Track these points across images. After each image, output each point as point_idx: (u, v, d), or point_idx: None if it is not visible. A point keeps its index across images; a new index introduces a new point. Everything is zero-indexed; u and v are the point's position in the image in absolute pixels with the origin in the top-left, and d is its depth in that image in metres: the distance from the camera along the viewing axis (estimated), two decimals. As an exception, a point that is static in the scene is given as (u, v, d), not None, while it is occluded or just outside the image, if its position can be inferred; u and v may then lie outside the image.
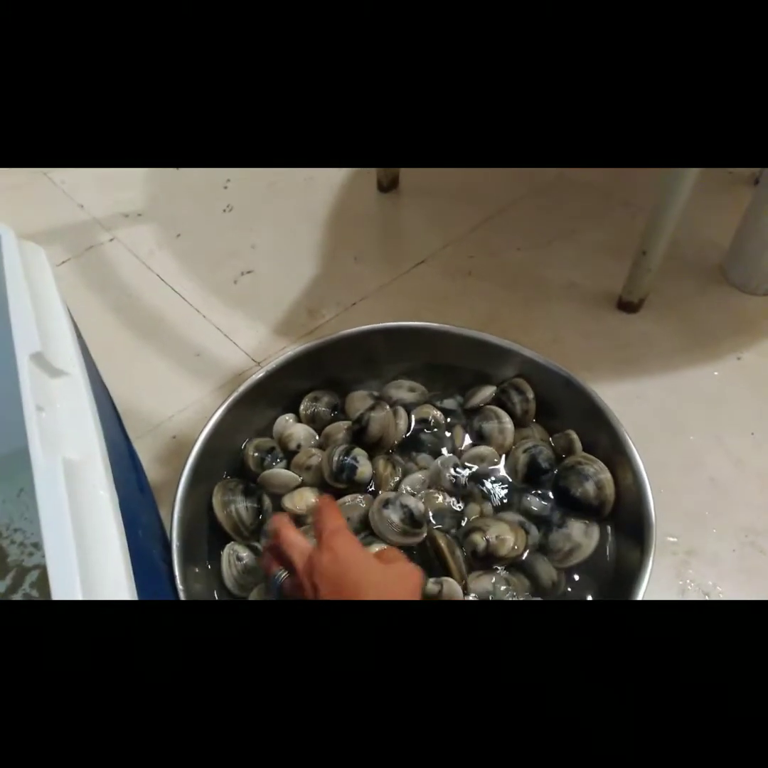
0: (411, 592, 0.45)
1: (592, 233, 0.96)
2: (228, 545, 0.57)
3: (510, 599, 0.54)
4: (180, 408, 0.78)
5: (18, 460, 0.38)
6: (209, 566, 0.58)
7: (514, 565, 0.56)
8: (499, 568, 0.56)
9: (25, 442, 0.36)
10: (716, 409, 0.76)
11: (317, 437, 0.66)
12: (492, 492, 0.61)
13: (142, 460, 0.69)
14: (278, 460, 0.64)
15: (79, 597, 0.29)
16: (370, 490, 0.61)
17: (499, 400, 0.67)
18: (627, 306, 0.85)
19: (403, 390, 0.69)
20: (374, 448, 0.63)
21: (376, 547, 0.57)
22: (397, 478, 0.62)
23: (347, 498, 0.59)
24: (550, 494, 0.61)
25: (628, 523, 0.57)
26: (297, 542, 0.47)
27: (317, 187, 1.05)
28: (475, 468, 0.63)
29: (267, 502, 0.60)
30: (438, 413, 0.66)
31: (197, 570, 0.56)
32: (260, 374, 0.66)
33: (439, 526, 0.59)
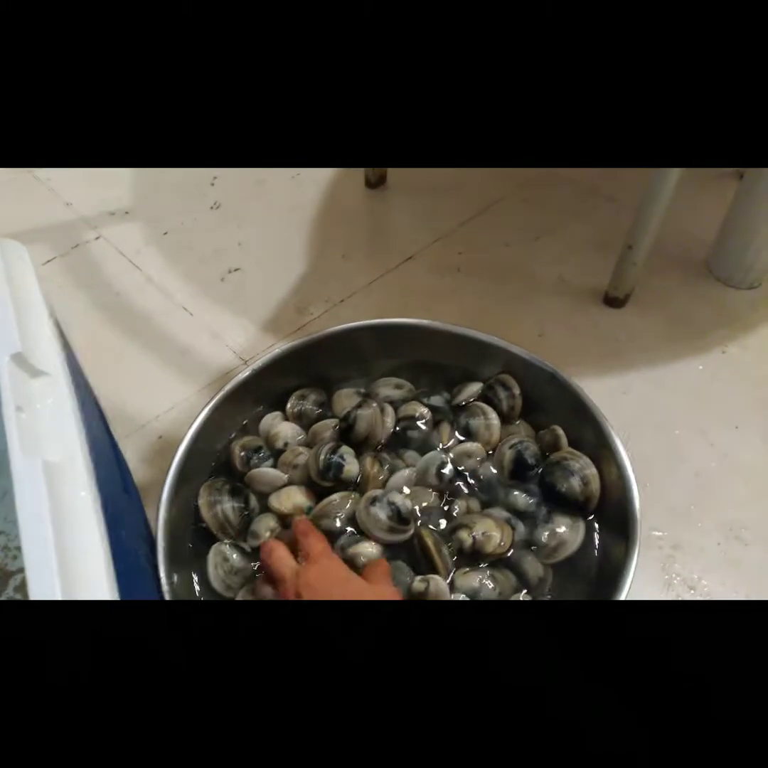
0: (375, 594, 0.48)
1: (579, 229, 0.96)
2: (214, 546, 0.57)
3: (496, 596, 0.54)
4: (167, 407, 0.78)
5: (1, 462, 0.37)
6: (195, 566, 0.57)
7: (501, 561, 0.57)
8: (485, 564, 0.56)
9: (6, 444, 0.36)
10: (701, 403, 0.77)
11: (304, 435, 0.65)
12: (478, 488, 0.62)
13: (128, 460, 0.69)
14: (265, 458, 0.64)
15: (58, 598, 0.29)
16: (358, 488, 0.61)
17: (486, 397, 0.67)
18: (613, 301, 0.86)
19: (390, 387, 0.69)
20: (361, 445, 0.63)
21: (366, 545, 0.57)
22: (385, 476, 0.62)
23: (335, 496, 0.59)
24: (537, 490, 0.61)
25: (614, 517, 0.57)
26: (288, 561, 0.51)
27: (305, 184, 1.05)
28: (461, 465, 0.63)
29: (253, 501, 0.60)
30: (425, 410, 0.66)
31: (183, 570, 0.56)
32: (246, 373, 0.65)
33: (427, 523, 0.59)
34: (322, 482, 0.60)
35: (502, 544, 0.56)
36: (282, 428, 0.65)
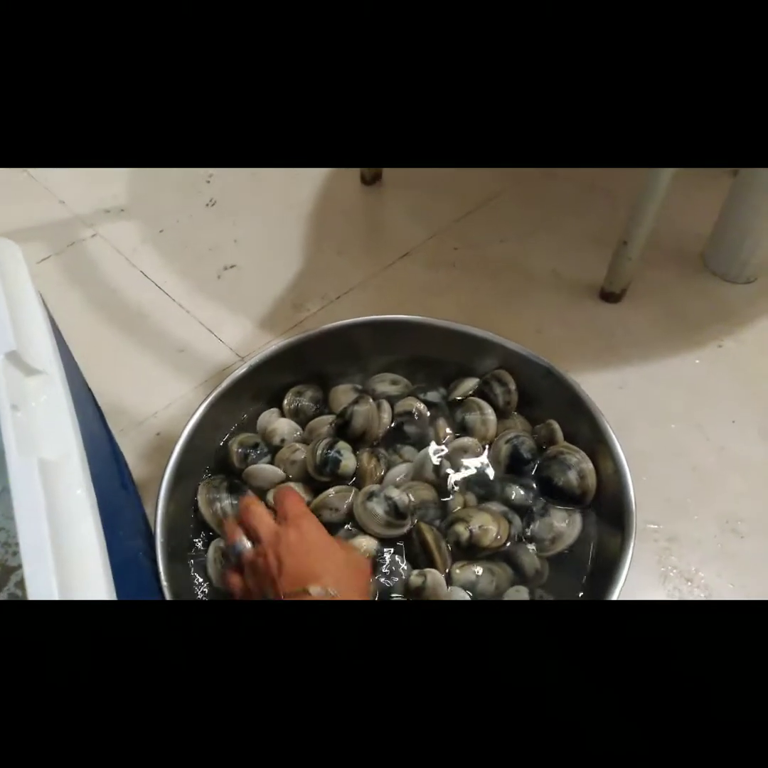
0: (365, 579, 0.51)
1: (575, 224, 0.96)
2: (213, 542, 0.57)
3: (493, 589, 0.54)
4: (164, 404, 0.78)
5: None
6: (195, 562, 0.58)
7: (498, 554, 0.57)
8: (482, 558, 0.56)
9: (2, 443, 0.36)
10: (698, 398, 0.77)
11: (301, 431, 0.66)
12: (475, 483, 0.62)
13: (126, 456, 0.69)
14: (262, 455, 0.64)
15: (56, 597, 0.29)
16: (355, 483, 0.61)
17: (482, 392, 0.67)
18: (609, 296, 0.86)
19: (387, 383, 0.69)
20: (358, 441, 0.63)
21: (362, 540, 0.57)
22: (382, 471, 0.62)
23: (331, 490, 0.60)
24: (533, 484, 0.61)
25: (610, 511, 0.58)
26: (266, 519, 0.51)
27: (301, 181, 1.05)
28: (458, 460, 0.63)
29: (250, 497, 0.60)
30: (421, 406, 0.67)
31: (183, 566, 0.56)
32: (243, 369, 0.65)
33: (424, 517, 0.59)
34: (319, 478, 0.60)
35: (499, 537, 0.56)
36: (279, 425, 0.65)
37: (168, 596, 0.51)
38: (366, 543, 0.57)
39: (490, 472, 0.63)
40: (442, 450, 0.63)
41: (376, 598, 0.55)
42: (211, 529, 0.59)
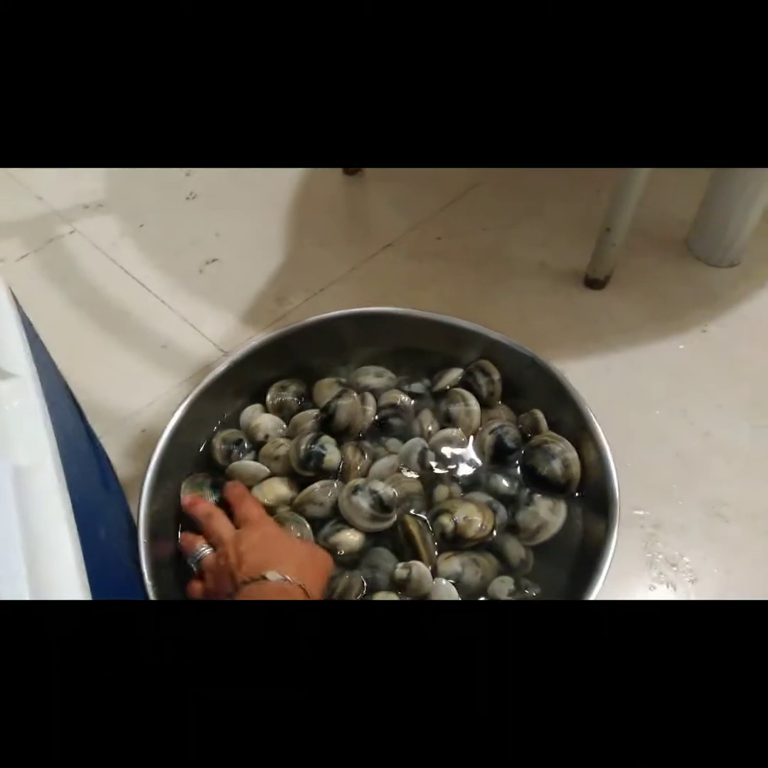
0: (324, 571, 0.53)
1: (558, 210, 0.96)
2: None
3: (478, 580, 0.54)
4: (148, 401, 0.78)
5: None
6: (180, 561, 0.57)
7: (483, 545, 0.57)
8: (467, 548, 0.56)
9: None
10: (682, 383, 0.77)
11: (285, 427, 0.65)
12: (460, 474, 0.62)
13: (110, 455, 0.69)
14: (246, 451, 0.63)
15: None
16: (340, 477, 0.61)
17: (466, 383, 0.67)
18: (593, 283, 0.85)
19: (371, 376, 0.69)
20: (342, 435, 0.63)
21: (348, 534, 0.57)
22: (366, 465, 0.62)
23: (315, 485, 0.59)
24: (518, 473, 0.61)
25: (594, 499, 0.58)
26: (227, 523, 0.55)
27: (282, 172, 1.04)
28: (442, 451, 0.63)
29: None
30: (405, 398, 0.66)
31: (168, 566, 0.56)
32: (225, 365, 0.65)
33: (409, 510, 0.59)
34: (304, 472, 0.60)
35: (484, 527, 0.56)
36: (262, 420, 0.65)
37: (152, 596, 0.50)
38: (351, 537, 0.57)
39: (475, 463, 0.62)
40: (427, 442, 0.63)
41: (364, 590, 0.55)
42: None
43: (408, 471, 0.61)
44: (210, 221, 0.97)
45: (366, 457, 0.62)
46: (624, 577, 0.63)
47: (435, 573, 0.55)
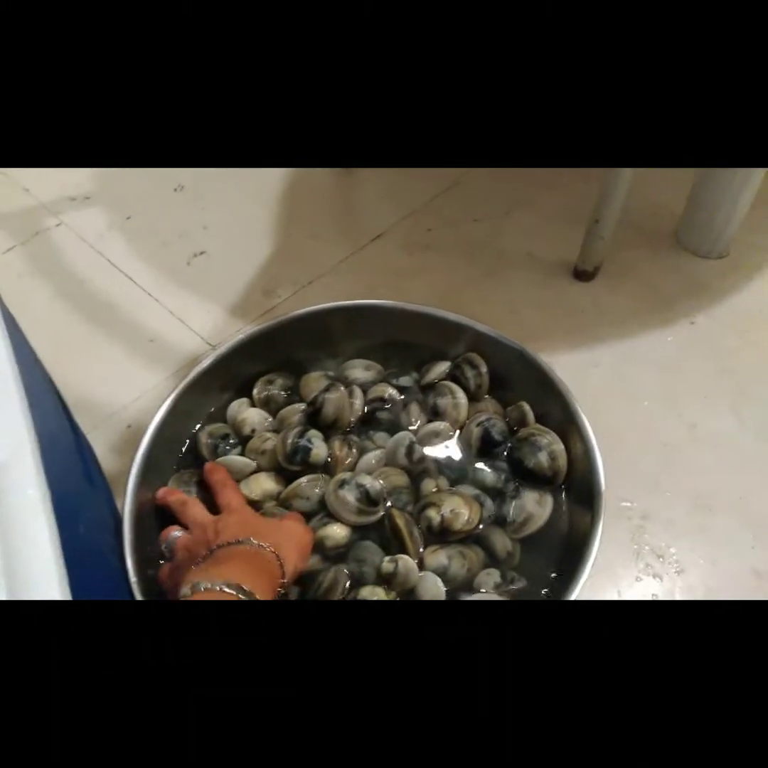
0: (303, 542, 0.53)
1: (548, 201, 0.96)
2: None
3: (465, 573, 0.54)
4: (135, 396, 0.77)
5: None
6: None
7: (470, 537, 0.57)
8: (454, 541, 0.57)
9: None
10: (670, 374, 0.77)
11: (271, 421, 0.65)
12: (447, 467, 0.62)
13: (97, 450, 0.68)
14: (232, 446, 0.63)
15: (3, 599, 0.29)
16: (327, 471, 0.61)
17: (454, 376, 0.67)
18: (582, 274, 0.85)
19: (359, 369, 0.69)
20: (330, 429, 0.63)
21: (334, 527, 0.57)
22: (354, 458, 0.62)
23: (302, 479, 0.59)
24: (505, 466, 0.61)
25: (581, 491, 0.58)
26: (202, 509, 0.55)
27: (270, 163, 1.03)
28: (430, 444, 0.63)
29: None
30: (393, 391, 0.66)
31: (155, 563, 0.56)
32: (211, 359, 0.65)
33: (397, 503, 0.59)
34: (290, 467, 0.60)
35: (470, 520, 0.56)
36: (249, 414, 0.64)
37: (137, 594, 0.50)
38: (338, 531, 0.57)
39: (462, 456, 0.62)
40: (415, 435, 0.63)
41: (348, 584, 0.55)
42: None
43: (395, 465, 0.61)
44: (198, 213, 0.96)
45: (353, 451, 0.62)
46: (611, 569, 0.63)
47: (422, 566, 0.55)
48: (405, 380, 0.68)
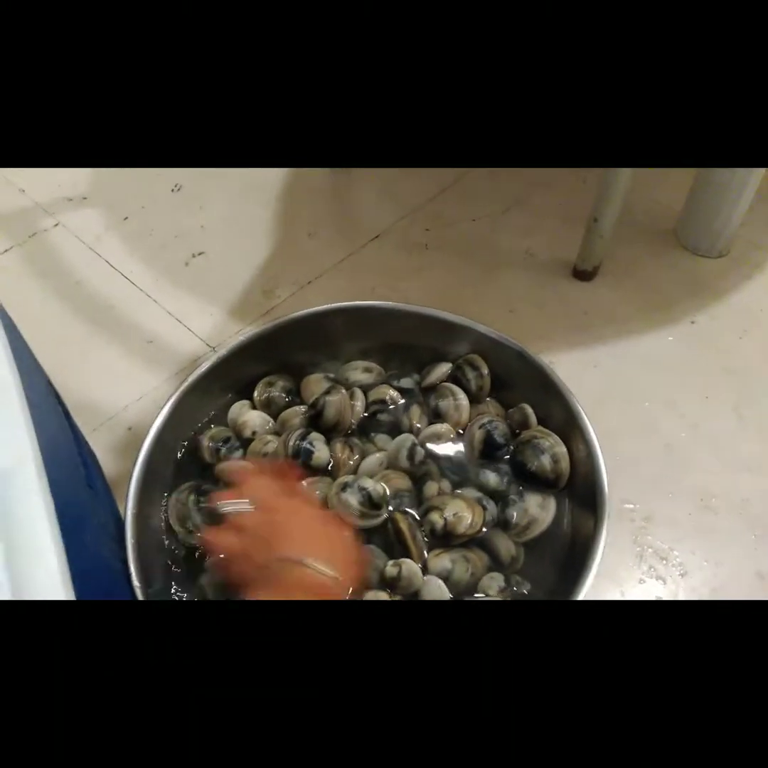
0: (362, 570, 0.52)
1: (546, 200, 0.95)
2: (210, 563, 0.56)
3: (468, 577, 0.54)
4: (135, 398, 0.77)
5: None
6: (170, 563, 0.57)
7: (473, 541, 0.57)
8: (457, 545, 0.56)
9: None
10: (670, 375, 0.77)
11: (272, 423, 0.65)
12: (449, 469, 0.61)
13: (98, 453, 0.68)
14: (233, 449, 0.63)
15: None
16: (329, 473, 0.61)
17: (455, 377, 0.66)
18: (582, 274, 0.85)
19: (360, 371, 0.68)
20: (331, 431, 0.62)
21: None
22: (356, 461, 0.61)
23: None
24: (507, 469, 0.61)
25: (584, 494, 0.58)
26: (273, 486, 0.53)
27: (268, 163, 1.02)
28: (432, 446, 0.63)
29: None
30: (394, 393, 0.66)
31: (160, 569, 0.55)
32: (212, 361, 0.64)
33: (399, 506, 0.59)
34: (293, 470, 0.60)
35: (474, 524, 0.56)
36: (250, 417, 0.64)
37: (141, 598, 0.50)
38: (341, 534, 0.56)
39: (464, 458, 0.62)
40: (416, 437, 0.63)
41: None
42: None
43: (397, 468, 0.61)
44: (195, 213, 0.96)
45: (355, 453, 0.62)
46: (614, 571, 0.63)
47: (425, 570, 0.55)
48: (406, 382, 0.68)
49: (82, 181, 1.00)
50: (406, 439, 0.62)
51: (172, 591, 0.56)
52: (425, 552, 0.56)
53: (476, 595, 0.55)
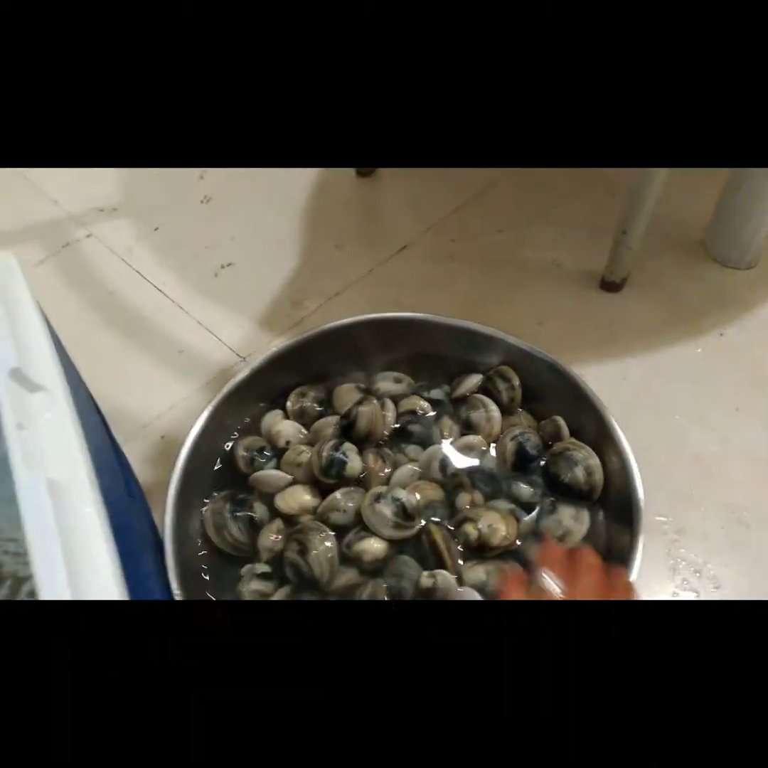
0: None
1: (572, 211, 0.95)
2: (246, 570, 0.57)
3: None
4: (167, 407, 0.78)
5: (7, 467, 0.37)
6: (206, 570, 0.57)
7: (507, 552, 0.57)
8: (492, 557, 0.56)
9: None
10: (700, 387, 0.77)
11: (306, 433, 0.65)
12: (482, 481, 0.62)
13: (131, 462, 0.69)
14: (268, 459, 0.63)
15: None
16: (361, 484, 0.61)
17: (485, 389, 0.67)
18: (610, 285, 0.85)
19: (390, 381, 0.69)
20: (363, 442, 0.63)
21: (371, 541, 0.57)
22: (388, 471, 0.62)
23: (337, 493, 0.59)
24: (540, 481, 0.61)
25: (618, 506, 0.58)
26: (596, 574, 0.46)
27: (296, 175, 1.04)
28: (464, 458, 0.63)
29: (259, 509, 0.60)
30: (425, 404, 0.66)
31: (193, 576, 0.56)
32: (246, 372, 0.65)
33: (431, 517, 0.59)
34: (326, 480, 0.60)
35: (508, 535, 0.56)
36: (283, 427, 0.65)
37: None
38: (375, 545, 0.57)
39: (497, 470, 0.62)
40: (448, 448, 0.63)
41: (386, 599, 0.55)
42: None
43: (429, 479, 0.61)
44: (224, 224, 0.97)
45: (387, 464, 0.62)
46: (647, 585, 0.63)
47: (460, 581, 0.55)
48: (436, 393, 0.68)
49: (113, 192, 1.02)
50: (438, 450, 0.63)
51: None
52: (459, 564, 0.56)
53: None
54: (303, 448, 0.63)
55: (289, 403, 0.67)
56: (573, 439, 0.62)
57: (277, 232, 0.96)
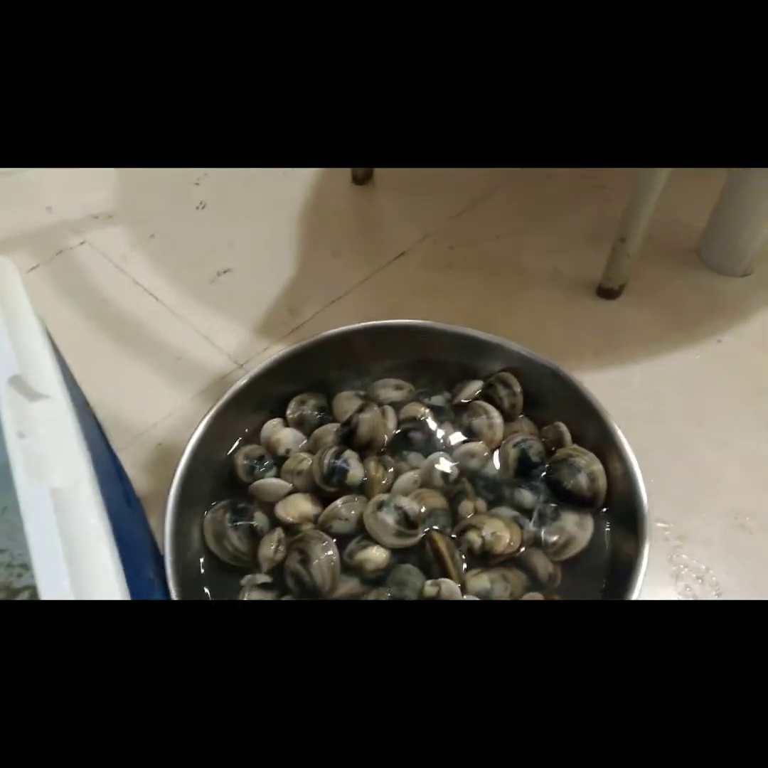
0: None
1: (570, 218, 0.96)
2: (246, 580, 0.57)
3: (507, 596, 0.54)
4: (164, 415, 0.77)
5: (9, 476, 0.36)
6: (206, 580, 0.57)
7: (511, 560, 0.57)
8: (495, 565, 0.56)
9: (5, 459, 0.35)
10: (699, 393, 0.77)
11: (306, 441, 0.65)
12: (484, 488, 0.61)
13: (128, 470, 0.68)
14: (268, 467, 0.63)
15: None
16: (363, 491, 0.61)
17: (487, 395, 0.67)
18: (607, 293, 0.85)
19: (390, 388, 0.69)
20: (364, 449, 0.62)
21: (374, 551, 0.56)
22: (389, 479, 0.61)
23: (338, 502, 0.59)
24: (543, 487, 0.61)
25: (622, 512, 0.58)
26: None
27: (292, 181, 1.03)
28: (466, 465, 0.62)
29: (259, 518, 0.59)
30: (426, 411, 0.66)
31: (193, 584, 0.55)
32: (245, 380, 0.64)
33: (434, 525, 0.59)
34: (327, 488, 0.60)
35: (512, 543, 0.56)
36: (283, 435, 0.64)
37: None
38: (378, 553, 0.56)
39: (499, 477, 0.62)
40: (449, 455, 0.63)
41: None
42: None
43: (431, 486, 0.61)
44: (221, 231, 0.97)
45: (389, 471, 0.62)
46: (650, 590, 0.62)
47: (464, 590, 0.55)
48: (437, 400, 0.68)
49: (108, 198, 1.01)
50: (440, 457, 0.62)
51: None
52: (463, 573, 0.56)
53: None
54: (303, 456, 0.62)
55: (288, 411, 0.67)
56: (575, 446, 0.62)
57: (274, 239, 0.96)
